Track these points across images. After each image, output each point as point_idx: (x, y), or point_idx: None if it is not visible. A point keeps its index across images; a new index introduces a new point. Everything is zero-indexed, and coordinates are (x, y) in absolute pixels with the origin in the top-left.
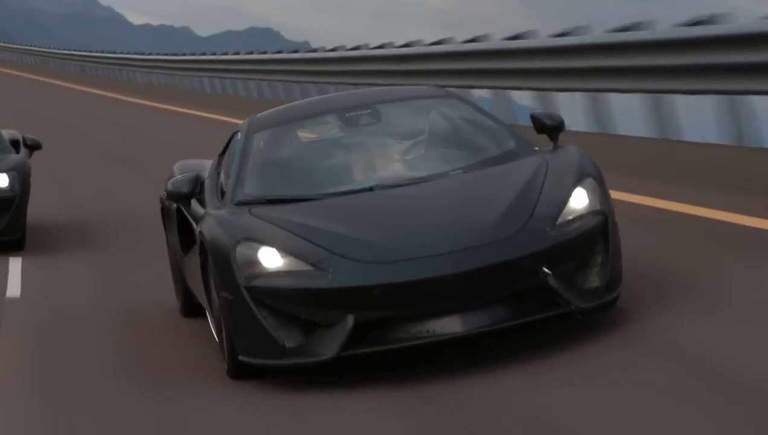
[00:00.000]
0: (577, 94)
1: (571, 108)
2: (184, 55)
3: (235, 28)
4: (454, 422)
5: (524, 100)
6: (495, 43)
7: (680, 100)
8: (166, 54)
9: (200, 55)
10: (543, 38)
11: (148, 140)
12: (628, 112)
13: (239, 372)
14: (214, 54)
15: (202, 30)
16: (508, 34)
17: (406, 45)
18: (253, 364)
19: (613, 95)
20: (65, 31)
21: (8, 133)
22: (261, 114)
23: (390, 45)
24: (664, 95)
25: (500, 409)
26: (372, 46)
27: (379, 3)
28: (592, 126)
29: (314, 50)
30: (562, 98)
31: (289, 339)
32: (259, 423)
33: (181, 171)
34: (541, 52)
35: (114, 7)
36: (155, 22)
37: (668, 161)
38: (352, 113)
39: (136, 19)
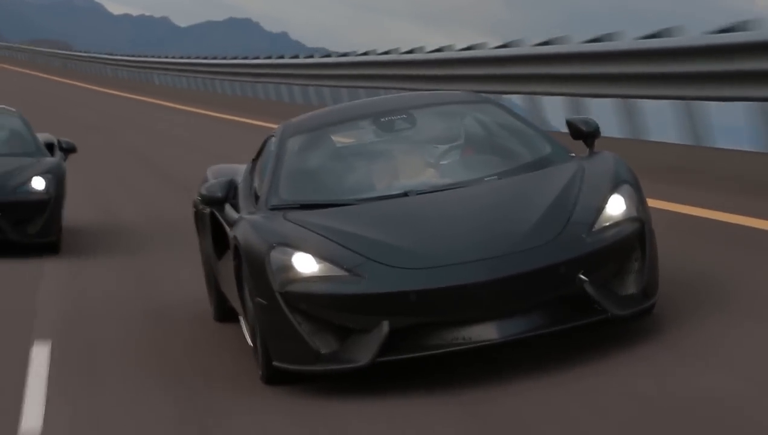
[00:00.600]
0: (609, 99)
1: (604, 114)
2: (133, 56)
3: (214, 19)
4: (488, 430)
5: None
6: (527, 48)
7: (713, 106)
8: (123, 55)
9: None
10: (574, 44)
11: (108, 116)
12: (661, 118)
13: (273, 377)
14: (198, 57)
15: (182, 20)
16: (487, 23)
17: (437, 50)
18: (287, 369)
19: (645, 101)
20: (46, 21)
21: (43, 137)
22: (295, 118)
23: (420, 50)
24: (696, 102)
25: (535, 417)
26: (403, 50)
27: None
28: (624, 132)
29: (345, 54)
30: (595, 103)
31: (323, 345)
32: (294, 430)
33: (214, 175)
34: (572, 57)
35: None
36: (135, 12)
37: (701, 168)
38: (386, 118)
39: (115, 9)
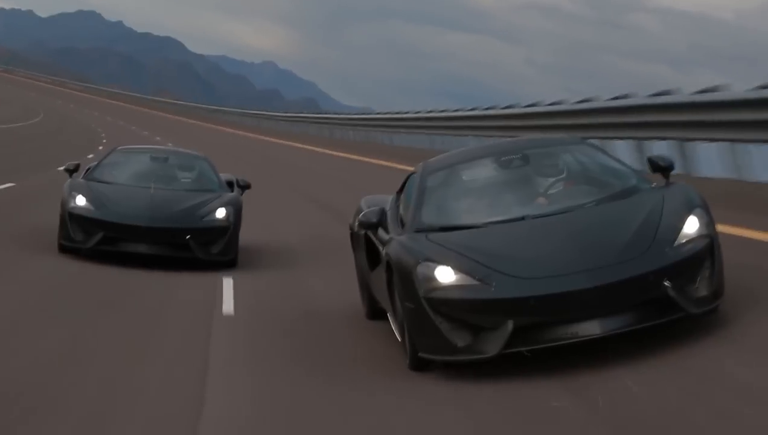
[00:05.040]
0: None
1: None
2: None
3: (67, 10)
4: (595, 409)
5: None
6: (639, 99)
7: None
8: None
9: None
10: (684, 94)
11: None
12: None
13: (419, 366)
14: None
15: (43, 12)
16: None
17: (554, 103)
18: (430, 359)
19: (750, 145)
20: None
21: (225, 176)
22: (432, 159)
23: (540, 103)
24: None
25: (635, 399)
26: (523, 105)
27: None
28: (728, 172)
29: (474, 108)
30: (655, 145)
31: (460, 339)
32: (433, 406)
33: (367, 205)
34: (680, 106)
35: None
36: (7, 6)
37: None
38: (505, 158)
39: None
